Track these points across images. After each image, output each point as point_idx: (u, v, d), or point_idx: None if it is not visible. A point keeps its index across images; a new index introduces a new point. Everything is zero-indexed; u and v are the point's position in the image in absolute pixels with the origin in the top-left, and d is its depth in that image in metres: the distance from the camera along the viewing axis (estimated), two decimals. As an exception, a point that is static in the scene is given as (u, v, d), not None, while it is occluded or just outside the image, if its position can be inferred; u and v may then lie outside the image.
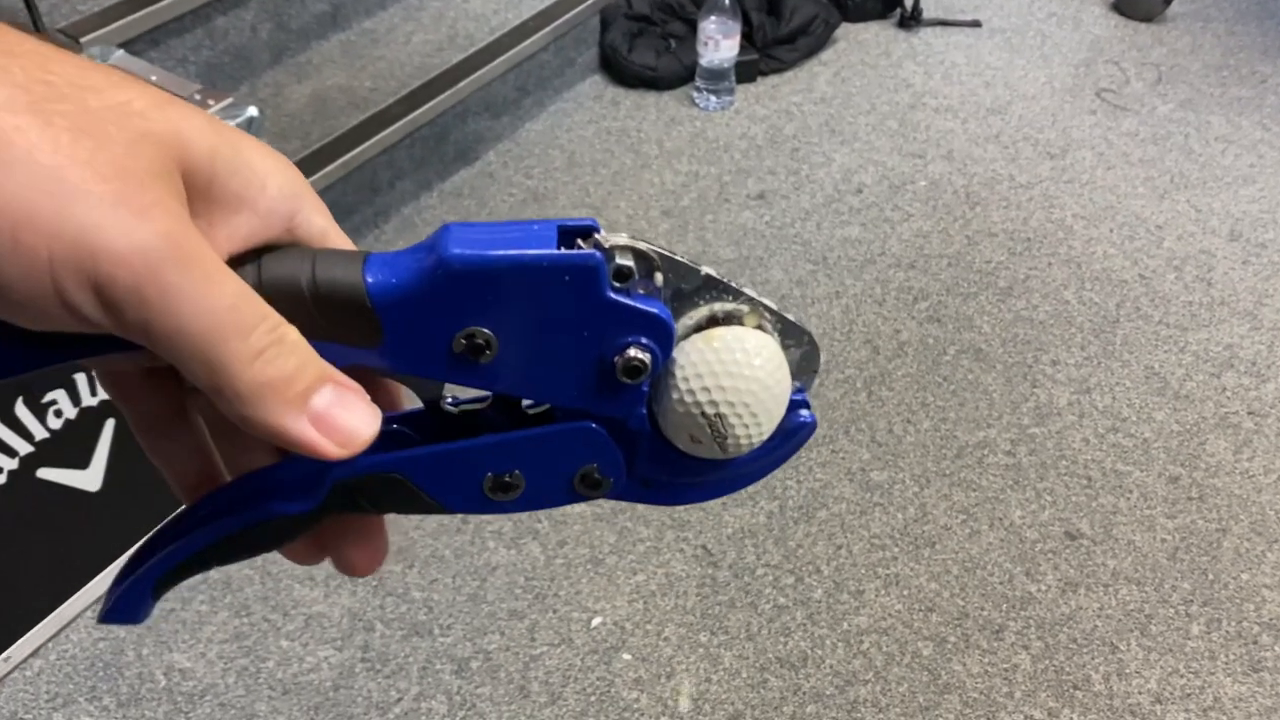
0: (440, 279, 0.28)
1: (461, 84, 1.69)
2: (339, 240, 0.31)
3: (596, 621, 1.21)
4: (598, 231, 0.29)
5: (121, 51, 1.23)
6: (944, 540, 1.29)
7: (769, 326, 0.32)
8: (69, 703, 1.14)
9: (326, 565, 1.20)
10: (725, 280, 0.31)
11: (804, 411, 0.33)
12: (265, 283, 0.28)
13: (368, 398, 0.28)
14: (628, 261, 0.29)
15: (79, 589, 1.20)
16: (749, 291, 0.31)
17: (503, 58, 1.75)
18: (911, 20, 2.15)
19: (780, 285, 1.62)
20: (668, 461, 0.32)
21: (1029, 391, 1.46)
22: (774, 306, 0.32)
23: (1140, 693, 1.15)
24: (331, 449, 0.27)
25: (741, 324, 0.31)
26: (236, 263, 0.28)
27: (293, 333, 0.27)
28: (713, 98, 1.93)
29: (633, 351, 0.29)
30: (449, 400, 0.33)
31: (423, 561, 1.26)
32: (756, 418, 0.31)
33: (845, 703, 1.14)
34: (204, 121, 0.26)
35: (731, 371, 0.30)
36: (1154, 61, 2.10)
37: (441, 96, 1.67)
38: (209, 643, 1.19)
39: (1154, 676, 1.17)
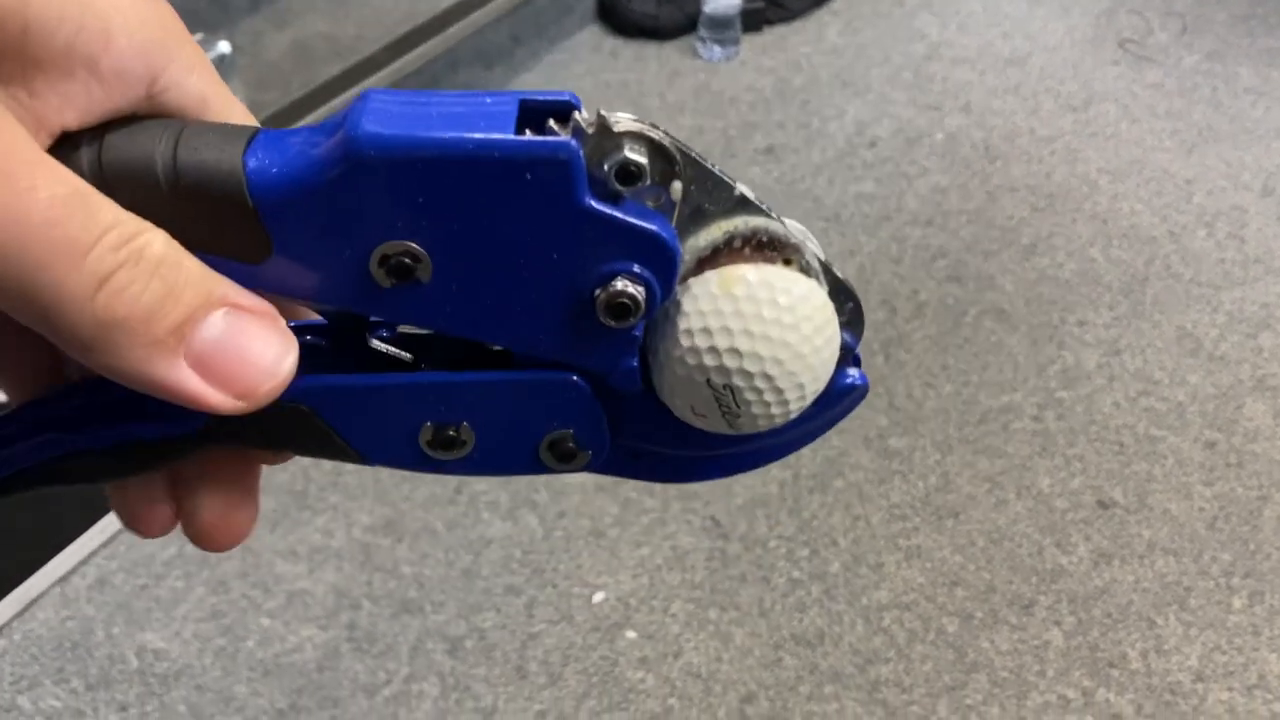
0: (348, 171, 0.20)
1: (451, 30, 1.60)
2: (229, 111, 0.22)
3: (599, 597, 1.13)
4: (578, 110, 0.21)
5: (82, -15, 1.14)
6: (968, 510, 1.21)
7: (816, 271, 0.23)
8: (34, 685, 1.07)
9: (312, 538, 1.08)
10: (765, 207, 0.22)
11: (852, 370, 0.25)
12: (107, 169, 0.20)
13: (279, 322, 0.20)
14: (638, 156, 0.20)
15: (44, 564, 1.12)
16: (793, 224, 0.23)
17: (495, 3, 1.66)
18: (924, -31, 2.05)
19: (790, 243, 1.53)
20: (666, 429, 0.24)
21: (1055, 354, 1.38)
22: (822, 256, 0.23)
23: (1180, 670, 1.08)
24: (224, 401, 0.19)
25: (775, 262, 0.22)
26: (69, 145, 0.20)
27: (156, 240, 0.19)
28: (717, 48, 1.84)
29: (620, 284, 0.21)
30: (379, 331, 0.24)
31: (412, 535, 1.19)
32: (783, 395, 0.23)
33: (866, 682, 1.07)
34: None
35: (753, 331, 0.22)
36: (1178, 11, 2.00)
37: (430, 43, 1.57)
38: (184, 621, 1.11)
39: (1194, 653, 1.09)
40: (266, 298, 0.21)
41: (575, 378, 0.23)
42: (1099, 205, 1.60)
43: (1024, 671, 1.08)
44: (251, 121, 0.23)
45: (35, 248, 0.17)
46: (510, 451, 0.24)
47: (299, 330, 0.24)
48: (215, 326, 0.19)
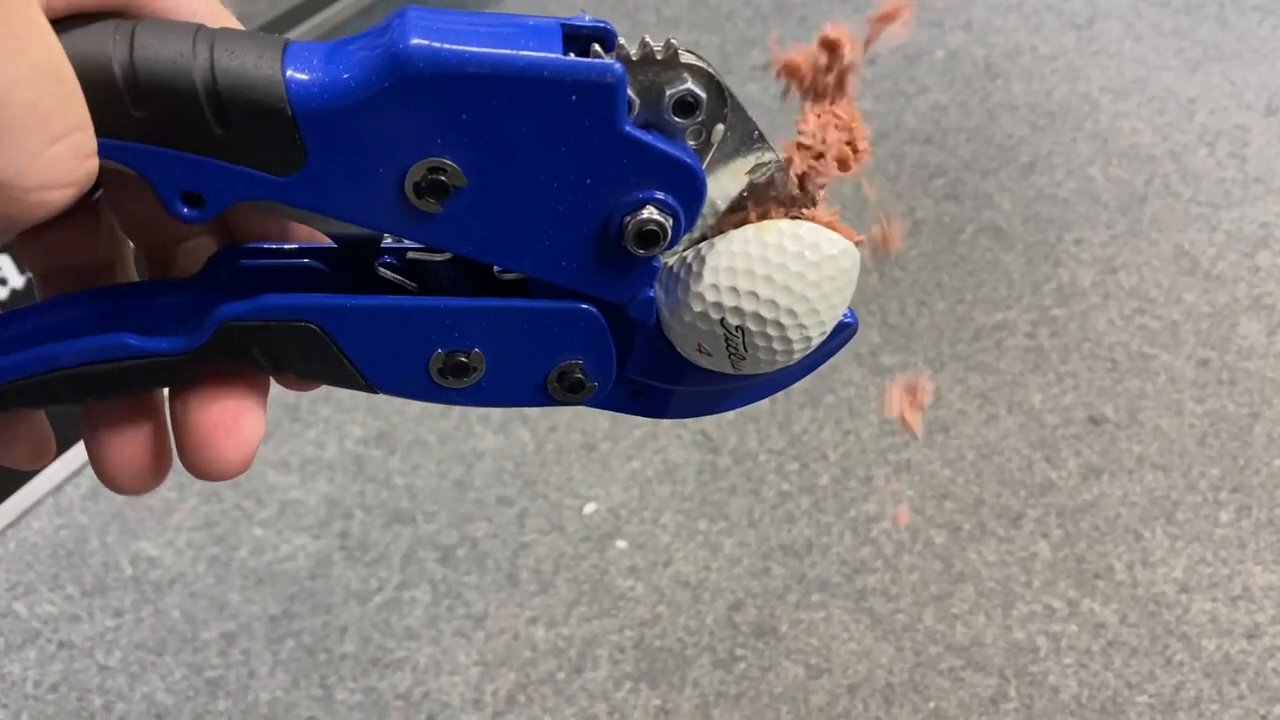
0: (398, 82, 0.19)
1: (442, -60, 1.56)
2: (220, 18, 0.22)
3: (590, 508, 1.14)
4: (615, 42, 0.21)
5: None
6: (959, 425, 1.21)
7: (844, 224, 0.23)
8: (30, 591, 1.08)
9: (304, 450, 1.08)
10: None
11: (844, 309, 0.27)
12: (140, 67, 0.19)
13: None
14: (700, 90, 0.21)
15: (37, 474, 1.12)
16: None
17: (487, -87, 1.62)
18: (929, -118, 2.00)
19: (786, 161, 1.51)
20: (667, 365, 0.25)
21: (1051, 271, 1.37)
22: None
23: (1165, 581, 1.09)
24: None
25: (803, 214, 0.23)
26: (94, 35, 0.19)
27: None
28: (715, -37, 1.80)
29: (649, 211, 0.21)
30: (384, 259, 0.24)
31: (404, 447, 1.19)
32: (790, 344, 0.23)
33: (853, 591, 1.08)
34: None
35: (775, 279, 0.22)
36: (1188, -73, 1.95)
37: (421, -47, 1.54)
38: (178, 530, 1.12)
39: (1180, 565, 1.10)
40: (292, 216, 0.21)
41: (591, 308, 0.23)
42: (1100, 124, 1.58)
43: (1010, 582, 1.09)
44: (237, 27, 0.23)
45: (4, 109, 0.16)
46: (519, 380, 0.24)
47: (304, 252, 0.24)
48: None
